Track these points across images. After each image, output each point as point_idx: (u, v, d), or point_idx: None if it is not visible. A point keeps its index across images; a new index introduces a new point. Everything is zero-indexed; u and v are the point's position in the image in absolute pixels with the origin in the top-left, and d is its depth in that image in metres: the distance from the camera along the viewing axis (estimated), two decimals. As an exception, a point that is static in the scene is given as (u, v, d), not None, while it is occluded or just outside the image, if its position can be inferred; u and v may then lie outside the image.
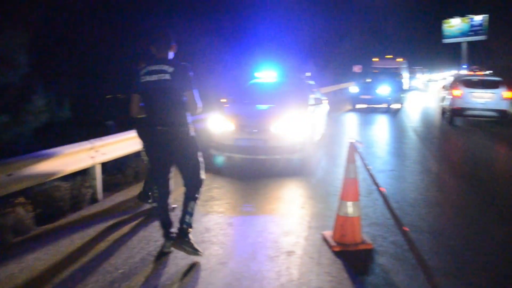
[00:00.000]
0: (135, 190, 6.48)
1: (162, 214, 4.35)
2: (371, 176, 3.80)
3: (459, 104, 14.45)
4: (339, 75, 35.38)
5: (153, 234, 4.78)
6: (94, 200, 6.06)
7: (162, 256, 4.23)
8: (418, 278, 3.75)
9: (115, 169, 7.14)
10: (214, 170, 7.54)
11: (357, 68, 30.98)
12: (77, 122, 12.69)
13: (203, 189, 4.42)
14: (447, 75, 57.67)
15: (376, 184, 3.64)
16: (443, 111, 16.67)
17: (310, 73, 10.71)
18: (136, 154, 7.23)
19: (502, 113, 14.02)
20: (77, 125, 12.40)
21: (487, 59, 48.30)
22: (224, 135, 7.87)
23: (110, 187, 6.65)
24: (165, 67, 4.03)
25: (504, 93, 14.04)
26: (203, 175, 4.33)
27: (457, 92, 14.67)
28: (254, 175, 7.52)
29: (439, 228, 5.12)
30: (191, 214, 4.21)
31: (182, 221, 4.18)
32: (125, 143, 6.78)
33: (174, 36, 4.27)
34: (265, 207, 5.79)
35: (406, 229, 3.14)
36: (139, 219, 5.29)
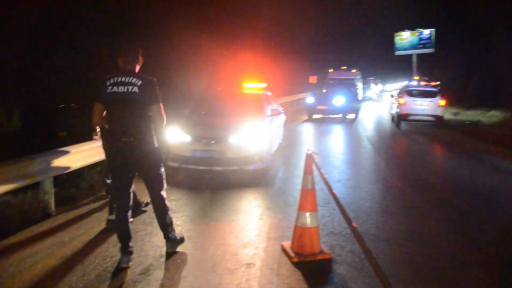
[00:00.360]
0: (90, 204, 6.32)
1: (121, 227, 4.26)
2: (329, 187, 3.85)
3: (404, 110, 17.30)
4: (295, 85, 35.78)
5: (110, 250, 4.66)
6: (46, 215, 5.84)
7: (119, 271, 4.12)
8: (376, 286, 3.81)
9: (68, 182, 6.94)
10: (171, 182, 7.41)
11: (312, 79, 31.45)
12: (28, 134, 12.25)
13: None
14: (399, 85, 59.64)
15: (334, 195, 3.70)
16: (392, 117, 19.43)
17: (266, 84, 10.78)
18: (90, 167, 7.08)
19: (438, 118, 17.26)
20: (28, 136, 11.97)
21: (435, 71, 50.18)
22: (182, 146, 7.80)
23: (63, 201, 6.44)
24: (134, 80, 4.06)
25: (440, 101, 17.20)
26: (165, 185, 4.43)
27: (402, 100, 17.56)
28: (212, 186, 7.47)
29: (395, 236, 5.24)
30: (171, 225, 4.48)
31: (168, 237, 4.45)
32: (79, 155, 6.60)
33: (142, 50, 4.36)
34: (223, 219, 5.76)
35: (354, 224, 3.24)
36: (95, 234, 5.14)
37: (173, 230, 4.56)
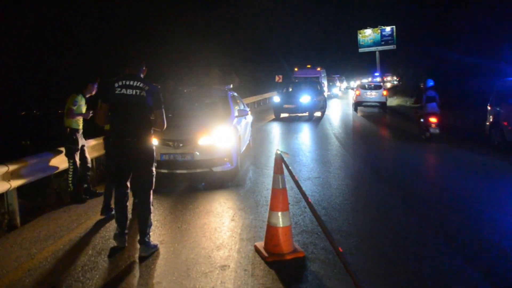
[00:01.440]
0: (58, 213, 6.17)
1: (120, 216, 4.72)
2: (298, 186, 3.88)
3: (359, 99, 25.09)
4: (261, 85, 35.91)
5: (80, 259, 4.56)
6: (11, 227, 5.66)
7: (90, 279, 4.04)
8: (350, 281, 3.86)
9: (34, 192, 6.76)
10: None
11: (278, 78, 31.65)
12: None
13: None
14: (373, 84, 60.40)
15: (303, 194, 3.73)
16: (353, 104, 26.07)
17: (232, 84, 10.78)
18: (57, 175, 6.92)
19: (382, 104, 25.40)
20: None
21: (397, 67, 51.31)
22: (150, 150, 7.70)
23: (29, 211, 6.27)
24: (141, 85, 4.49)
25: (383, 92, 25.23)
26: (153, 185, 4.82)
27: (357, 92, 25.54)
28: (182, 190, 7.42)
29: (366, 231, 5.33)
30: (150, 228, 4.70)
31: (144, 241, 4.59)
32: (44, 164, 6.44)
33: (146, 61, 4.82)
34: (195, 222, 5.72)
35: (340, 249, 3.24)
36: (63, 245, 5.02)
37: (149, 235, 4.70)
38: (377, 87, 25.62)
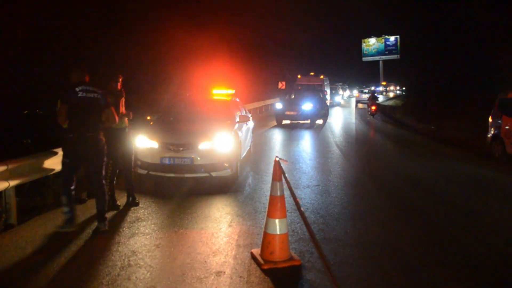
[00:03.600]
0: (55, 213, 6.15)
1: (66, 194, 5.34)
2: (293, 194, 3.87)
3: (358, 99, 37.36)
4: (264, 91, 35.93)
5: (76, 261, 4.54)
6: (8, 226, 5.65)
7: (84, 281, 4.02)
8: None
9: (33, 191, 6.75)
10: (140, 190, 7.29)
11: (281, 85, 31.62)
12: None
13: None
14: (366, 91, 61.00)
15: (297, 203, 3.72)
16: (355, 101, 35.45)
17: (234, 90, 10.79)
18: (56, 175, 6.90)
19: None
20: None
21: (401, 77, 51.38)
22: (150, 153, 7.71)
23: (27, 211, 6.25)
24: (96, 89, 5.42)
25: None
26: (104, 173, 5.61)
27: (357, 94, 41.90)
28: (180, 194, 7.41)
29: (363, 241, 5.30)
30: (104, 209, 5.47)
31: (104, 218, 5.42)
32: (45, 163, 6.43)
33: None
34: (192, 227, 5.70)
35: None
36: (60, 246, 5.01)
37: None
38: (373, 95, 28.93)
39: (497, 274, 4.44)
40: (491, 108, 11.93)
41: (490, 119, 11.81)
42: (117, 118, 5.65)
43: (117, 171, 6.63)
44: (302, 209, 3.73)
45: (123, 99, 6.51)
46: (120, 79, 6.60)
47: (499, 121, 11.16)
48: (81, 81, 5.40)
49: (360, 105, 37.88)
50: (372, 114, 26.45)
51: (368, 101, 28.13)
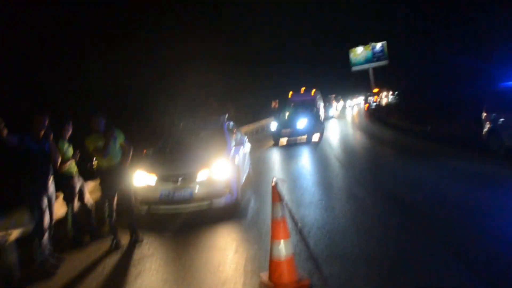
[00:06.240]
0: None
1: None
2: (292, 215, 3.83)
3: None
4: (258, 111, 36.06)
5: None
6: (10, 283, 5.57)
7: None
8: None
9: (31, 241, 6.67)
10: (142, 227, 7.23)
11: (275, 103, 31.71)
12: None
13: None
14: (360, 99, 62.42)
15: (296, 223, 3.68)
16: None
17: (228, 113, 10.82)
18: (56, 221, 6.83)
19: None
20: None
21: (392, 83, 51.81)
22: (149, 188, 7.67)
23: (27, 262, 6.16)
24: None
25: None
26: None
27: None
28: (184, 225, 7.35)
29: (371, 255, 5.22)
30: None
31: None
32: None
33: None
34: (199, 258, 5.64)
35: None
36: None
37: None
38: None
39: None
40: (483, 104, 11.96)
41: (484, 114, 11.83)
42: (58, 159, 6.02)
43: (114, 208, 6.54)
44: (300, 226, 3.67)
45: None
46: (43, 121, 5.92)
47: (494, 114, 11.17)
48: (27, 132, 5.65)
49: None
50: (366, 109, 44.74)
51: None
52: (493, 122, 11.16)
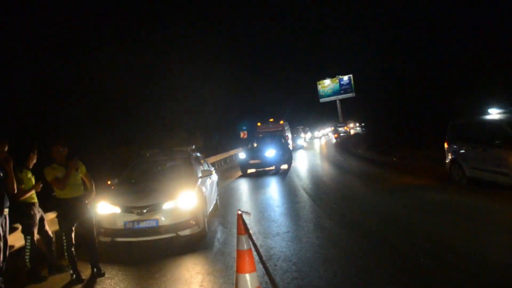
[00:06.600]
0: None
1: None
2: (257, 250, 3.79)
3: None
4: (226, 142, 36.11)
5: None
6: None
7: None
8: None
9: None
10: (105, 259, 7.00)
11: (243, 134, 31.86)
12: None
13: None
14: (328, 130, 63.96)
15: (260, 257, 3.63)
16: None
17: (194, 145, 10.77)
18: (12, 254, 6.55)
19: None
20: None
21: (359, 114, 52.95)
22: (112, 219, 7.49)
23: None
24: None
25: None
26: None
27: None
28: (148, 258, 7.16)
29: (338, 284, 5.20)
30: None
31: None
32: None
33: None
34: (162, 292, 5.49)
35: None
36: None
37: None
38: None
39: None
40: (445, 135, 12.32)
41: (446, 145, 12.15)
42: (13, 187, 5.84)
43: (72, 242, 6.31)
44: (264, 259, 3.61)
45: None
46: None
47: (455, 146, 11.50)
48: None
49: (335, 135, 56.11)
50: (335, 137, 51.67)
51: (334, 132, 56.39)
52: (454, 153, 11.47)
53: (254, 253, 4.36)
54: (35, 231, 6.44)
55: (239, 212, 4.42)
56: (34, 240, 6.39)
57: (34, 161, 6.64)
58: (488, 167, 9.89)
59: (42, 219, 6.62)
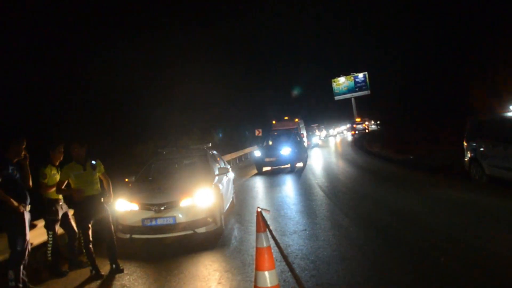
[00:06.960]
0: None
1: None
2: (278, 246, 3.78)
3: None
4: (242, 140, 36.14)
5: None
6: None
7: None
8: None
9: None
10: (123, 256, 7.06)
11: (258, 132, 31.82)
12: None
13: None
14: (343, 128, 63.95)
15: (283, 254, 3.62)
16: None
17: (211, 143, 10.79)
18: (34, 249, 6.63)
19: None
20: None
21: (374, 111, 52.59)
22: (131, 216, 7.54)
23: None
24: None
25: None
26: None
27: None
28: (166, 254, 7.20)
29: (357, 283, 5.17)
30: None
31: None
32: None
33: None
34: (181, 289, 5.51)
35: None
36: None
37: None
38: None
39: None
40: (463, 133, 12.16)
41: (464, 143, 12.00)
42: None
43: (89, 239, 6.37)
44: (288, 259, 3.60)
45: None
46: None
47: (474, 144, 11.34)
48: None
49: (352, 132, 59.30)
50: (352, 134, 55.32)
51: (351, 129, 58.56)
52: (474, 151, 11.32)
53: (273, 250, 4.36)
54: (57, 227, 6.54)
55: (259, 210, 4.41)
56: (56, 236, 6.49)
57: (61, 158, 6.74)
58: (509, 166, 9.73)
59: (65, 215, 6.72)
